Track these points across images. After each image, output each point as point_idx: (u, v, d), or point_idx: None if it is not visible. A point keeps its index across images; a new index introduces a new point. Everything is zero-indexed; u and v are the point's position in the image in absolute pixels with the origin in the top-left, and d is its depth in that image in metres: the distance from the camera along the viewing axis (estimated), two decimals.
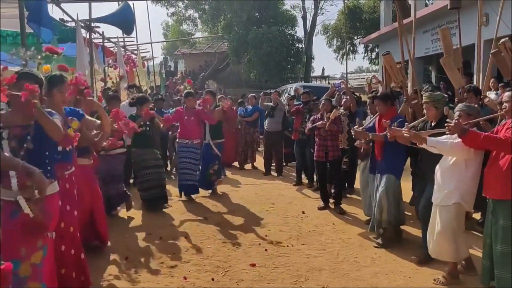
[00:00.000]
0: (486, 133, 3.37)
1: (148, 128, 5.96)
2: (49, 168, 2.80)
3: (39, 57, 3.38)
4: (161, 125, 6.24)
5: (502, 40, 4.97)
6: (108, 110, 5.58)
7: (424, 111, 4.31)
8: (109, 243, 4.62)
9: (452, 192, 3.64)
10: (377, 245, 4.73)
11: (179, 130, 6.68)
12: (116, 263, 4.24)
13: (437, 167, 3.83)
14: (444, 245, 3.72)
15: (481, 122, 3.98)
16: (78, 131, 3.38)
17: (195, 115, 6.55)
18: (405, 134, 3.87)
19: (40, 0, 4.67)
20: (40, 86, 2.80)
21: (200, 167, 6.84)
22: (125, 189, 5.79)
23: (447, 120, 3.54)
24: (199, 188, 6.82)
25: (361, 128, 5.02)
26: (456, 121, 3.35)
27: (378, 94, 5.07)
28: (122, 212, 5.83)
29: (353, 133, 5.13)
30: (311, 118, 6.50)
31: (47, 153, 2.82)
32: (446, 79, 11.46)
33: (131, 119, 5.73)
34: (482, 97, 5.21)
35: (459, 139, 3.42)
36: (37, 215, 2.58)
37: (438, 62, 14.47)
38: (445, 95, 4.31)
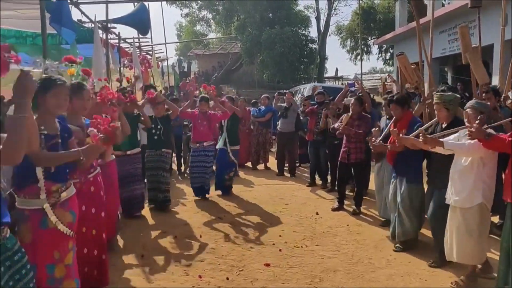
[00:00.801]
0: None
1: (158, 132, 6.01)
2: (67, 171, 2.85)
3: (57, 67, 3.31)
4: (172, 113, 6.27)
5: None
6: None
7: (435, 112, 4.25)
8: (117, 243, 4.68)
9: (473, 192, 3.56)
10: (396, 249, 4.66)
11: (192, 134, 6.79)
12: (132, 261, 4.29)
13: (454, 169, 3.76)
14: (469, 247, 3.63)
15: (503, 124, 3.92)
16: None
17: (207, 119, 6.65)
18: (420, 140, 3.80)
19: (61, 0, 4.73)
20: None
21: (214, 169, 6.91)
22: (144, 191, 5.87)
23: (467, 124, 3.47)
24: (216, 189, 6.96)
25: (378, 139, 4.93)
26: (477, 125, 3.27)
27: (394, 96, 4.98)
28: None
29: (370, 146, 5.02)
30: (341, 118, 6.39)
31: None
32: (463, 80, 11.39)
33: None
34: (502, 98, 5.12)
35: (473, 141, 3.38)
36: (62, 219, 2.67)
37: (454, 63, 14.37)
38: (458, 96, 4.21)
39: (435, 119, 4.33)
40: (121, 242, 4.76)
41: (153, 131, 6.03)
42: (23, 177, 2.59)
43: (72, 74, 3.74)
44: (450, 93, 4.31)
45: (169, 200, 6.16)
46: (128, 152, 5.50)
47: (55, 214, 2.64)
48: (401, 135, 4.21)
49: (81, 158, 2.71)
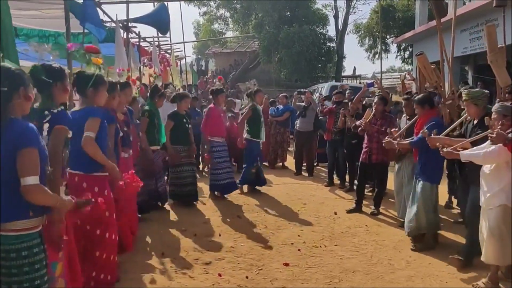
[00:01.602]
0: None
1: (187, 126, 6.11)
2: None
3: (56, 53, 3.33)
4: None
5: None
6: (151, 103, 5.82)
7: (465, 110, 4.24)
8: (147, 239, 4.75)
9: (496, 194, 3.54)
10: (413, 248, 4.65)
11: (211, 129, 6.69)
12: (152, 258, 4.35)
13: (484, 170, 3.73)
14: (491, 248, 3.61)
15: None
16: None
17: (223, 112, 6.78)
18: (441, 153, 3.92)
19: (88, 0, 4.83)
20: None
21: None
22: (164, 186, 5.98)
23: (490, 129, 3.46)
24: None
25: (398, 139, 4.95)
26: (499, 130, 3.25)
27: (414, 96, 4.98)
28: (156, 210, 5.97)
29: (384, 144, 5.05)
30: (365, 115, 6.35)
31: None
32: (484, 80, 11.19)
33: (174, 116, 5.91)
34: None
35: (492, 147, 3.37)
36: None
37: (475, 62, 14.12)
38: (486, 91, 4.20)
39: (463, 116, 4.32)
40: (142, 240, 4.83)
41: (187, 125, 6.14)
42: None
43: (98, 63, 3.83)
44: (478, 89, 4.31)
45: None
46: (151, 148, 5.62)
47: None
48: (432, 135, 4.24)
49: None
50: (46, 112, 2.67)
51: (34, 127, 2.20)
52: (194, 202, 6.28)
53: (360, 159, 6.16)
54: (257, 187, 7.21)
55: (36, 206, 2.18)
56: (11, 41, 3.08)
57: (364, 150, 6.09)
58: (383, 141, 5.00)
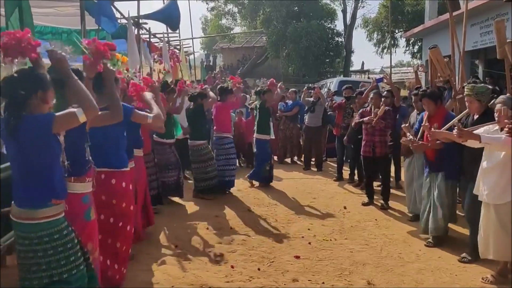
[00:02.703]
0: None
1: (207, 124, 6.24)
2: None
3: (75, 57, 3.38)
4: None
5: None
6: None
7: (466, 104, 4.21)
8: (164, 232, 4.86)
9: (506, 188, 3.54)
10: (428, 244, 4.66)
11: (217, 125, 6.82)
12: (166, 250, 4.44)
13: (484, 165, 3.73)
14: (504, 244, 3.60)
15: None
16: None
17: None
18: (454, 133, 3.74)
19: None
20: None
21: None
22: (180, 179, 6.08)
23: (505, 121, 3.43)
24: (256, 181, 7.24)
25: (409, 137, 4.88)
26: None
27: (427, 91, 4.91)
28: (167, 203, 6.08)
29: (411, 146, 4.82)
30: (360, 111, 6.44)
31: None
32: (493, 74, 11.12)
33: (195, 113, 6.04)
34: None
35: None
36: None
37: (485, 56, 14.01)
38: (489, 87, 4.16)
39: (466, 110, 4.31)
40: (155, 233, 4.93)
41: (203, 123, 6.34)
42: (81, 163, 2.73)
43: (119, 59, 3.88)
44: (482, 84, 4.29)
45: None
46: (167, 141, 5.82)
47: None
48: (432, 128, 4.20)
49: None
50: None
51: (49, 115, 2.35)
52: (227, 191, 6.64)
53: (362, 154, 6.22)
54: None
55: (58, 194, 2.37)
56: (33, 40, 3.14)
57: (365, 144, 6.14)
58: (411, 144, 4.73)
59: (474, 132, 3.67)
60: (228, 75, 23.22)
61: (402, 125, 5.08)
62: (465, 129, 3.78)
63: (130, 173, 3.56)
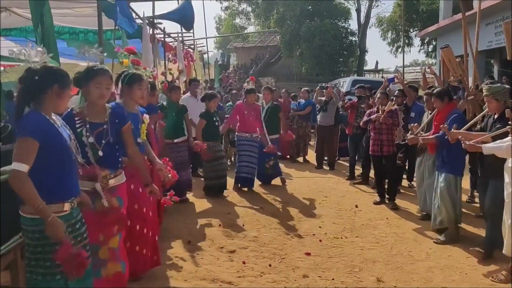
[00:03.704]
0: None
1: (217, 123, 6.38)
2: (120, 159, 3.09)
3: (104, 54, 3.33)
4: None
5: None
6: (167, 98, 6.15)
7: (486, 105, 4.27)
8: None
9: None
10: (436, 241, 4.72)
11: (238, 124, 6.96)
12: (179, 246, 4.55)
13: (506, 163, 3.76)
14: None
15: None
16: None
17: (255, 110, 6.82)
18: (463, 146, 3.94)
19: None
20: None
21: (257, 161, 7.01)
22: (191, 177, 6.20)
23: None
24: (257, 179, 7.16)
25: (415, 132, 5.04)
26: None
27: (435, 90, 5.03)
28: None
29: (407, 140, 5.17)
30: (368, 111, 6.52)
31: (117, 146, 3.04)
32: (509, 74, 11.01)
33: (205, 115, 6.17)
34: None
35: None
36: (111, 204, 2.90)
37: (501, 56, 13.86)
38: (507, 86, 4.22)
39: (485, 110, 4.36)
40: (168, 229, 5.04)
41: (216, 123, 6.42)
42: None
43: (127, 65, 4.02)
44: (498, 84, 4.33)
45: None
46: (175, 141, 5.97)
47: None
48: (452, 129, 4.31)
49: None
50: None
51: (46, 118, 2.35)
52: (224, 191, 6.61)
53: (371, 153, 6.29)
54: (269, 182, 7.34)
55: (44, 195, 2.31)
56: (52, 39, 3.28)
57: (373, 142, 6.21)
58: (407, 137, 5.05)
59: (494, 145, 3.74)
60: (242, 74, 23.36)
61: (411, 125, 5.14)
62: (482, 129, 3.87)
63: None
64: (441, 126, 4.47)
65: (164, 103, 6.20)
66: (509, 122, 3.52)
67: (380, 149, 6.13)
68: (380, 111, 6.10)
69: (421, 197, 5.53)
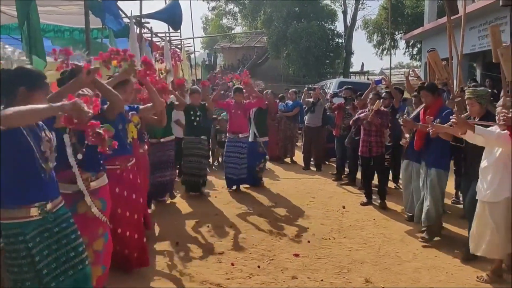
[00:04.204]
0: None
1: (198, 118, 6.29)
2: (101, 162, 3.06)
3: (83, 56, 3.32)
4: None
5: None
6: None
7: (467, 107, 4.30)
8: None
9: (500, 187, 3.62)
10: (422, 240, 4.76)
11: (228, 124, 6.98)
12: (167, 247, 4.51)
13: (483, 164, 3.82)
14: (496, 242, 3.69)
15: None
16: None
17: (243, 109, 6.81)
18: (452, 120, 3.83)
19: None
20: None
21: (247, 162, 6.97)
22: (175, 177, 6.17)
23: (501, 110, 3.53)
24: (247, 182, 7.14)
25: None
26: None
27: (425, 84, 5.06)
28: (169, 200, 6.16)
29: (401, 122, 5.10)
30: (359, 112, 6.54)
31: (97, 149, 2.91)
32: (492, 77, 11.21)
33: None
34: None
35: (506, 131, 3.45)
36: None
37: (483, 59, 14.11)
38: (489, 90, 4.30)
39: (467, 113, 4.40)
40: (156, 230, 5.01)
41: (192, 118, 6.34)
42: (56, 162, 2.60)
43: (116, 65, 3.96)
44: (482, 88, 4.39)
45: (205, 183, 6.57)
46: (162, 140, 5.87)
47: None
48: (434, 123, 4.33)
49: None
50: None
51: None
52: (192, 193, 6.48)
53: (359, 153, 6.33)
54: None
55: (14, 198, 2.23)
56: (39, 38, 3.22)
57: (362, 144, 6.24)
58: (402, 120, 5.03)
59: (486, 129, 3.71)
60: (228, 74, 23.27)
61: (398, 116, 5.17)
62: (464, 119, 3.86)
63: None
64: (427, 117, 4.44)
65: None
66: (500, 111, 3.54)
67: (368, 150, 6.17)
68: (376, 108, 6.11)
69: (407, 199, 5.57)
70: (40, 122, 2.40)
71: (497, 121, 3.65)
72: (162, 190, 5.97)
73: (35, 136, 2.31)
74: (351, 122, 6.80)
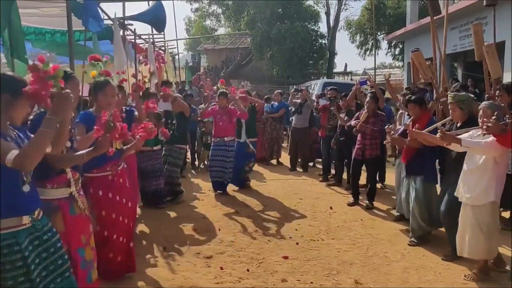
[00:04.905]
0: None
1: (173, 127, 6.22)
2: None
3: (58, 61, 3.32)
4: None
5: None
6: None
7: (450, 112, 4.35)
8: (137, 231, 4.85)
9: (486, 190, 3.67)
10: (410, 243, 4.78)
11: (213, 130, 6.93)
12: (155, 252, 4.45)
13: (465, 167, 3.86)
14: (481, 244, 3.74)
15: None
16: None
17: (227, 113, 6.76)
18: (437, 136, 3.88)
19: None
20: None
21: (233, 164, 6.92)
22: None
23: (482, 120, 3.58)
24: (231, 184, 7.10)
25: (395, 133, 5.04)
26: (494, 120, 3.37)
27: (412, 97, 5.03)
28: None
29: (389, 139, 4.99)
30: (356, 114, 6.51)
31: None
32: (474, 77, 11.41)
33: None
34: None
35: (491, 138, 3.48)
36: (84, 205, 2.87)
37: (464, 59, 14.35)
38: (471, 96, 4.32)
39: (449, 117, 4.43)
40: (143, 234, 4.93)
41: (168, 126, 6.20)
42: (51, 168, 2.59)
43: (94, 76, 3.88)
44: (464, 93, 4.42)
45: (181, 192, 6.40)
46: (155, 148, 5.80)
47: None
48: (414, 129, 4.34)
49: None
50: None
51: None
52: (160, 206, 5.97)
53: (354, 156, 6.33)
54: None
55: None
56: (21, 41, 3.14)
57: (357, 146, 6.25)
58: (389, 137, 4.94)
59: (458, 137, 3.78)
60: (213, 76, 23.21)
61: (386, 127, 5.16)
62: (448, 132, 3.90)
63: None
64: (406, 124, 4.47)
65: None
66: (484, 119, 3.57)
67: (362, 153, 6.17)
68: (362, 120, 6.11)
69: (399, 198, 5.58)
70: (23, 132, 2.36)
71: (480, 130, 3.69)
72: (161, 197, 5.92)
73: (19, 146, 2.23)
74: (345, 126, 6.77)
